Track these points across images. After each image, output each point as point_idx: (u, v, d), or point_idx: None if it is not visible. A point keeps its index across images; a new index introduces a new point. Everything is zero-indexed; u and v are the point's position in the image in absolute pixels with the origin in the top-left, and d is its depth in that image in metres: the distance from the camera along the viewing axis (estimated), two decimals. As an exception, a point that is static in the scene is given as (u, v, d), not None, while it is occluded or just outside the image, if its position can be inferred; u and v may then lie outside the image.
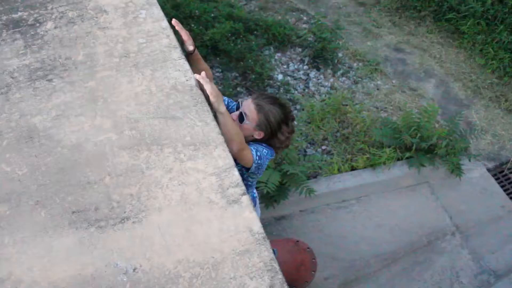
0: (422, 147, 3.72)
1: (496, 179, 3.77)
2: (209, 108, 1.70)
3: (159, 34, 1.95)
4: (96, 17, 2.05)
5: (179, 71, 1.81)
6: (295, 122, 3.82)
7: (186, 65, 1.83)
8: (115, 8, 2.09)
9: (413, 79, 4.64)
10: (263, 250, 1.35)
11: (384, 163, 3.76)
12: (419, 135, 3.73)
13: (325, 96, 4.30)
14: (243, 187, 1.49)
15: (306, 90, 4.41)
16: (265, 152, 2.03)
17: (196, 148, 1.58)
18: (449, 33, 4.64)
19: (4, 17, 2.07)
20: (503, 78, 4.14)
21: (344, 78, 4.68)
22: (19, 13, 2.09)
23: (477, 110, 4.19)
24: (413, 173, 3.75)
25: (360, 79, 4.66)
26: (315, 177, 3.69)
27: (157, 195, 1.47)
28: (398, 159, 3.81)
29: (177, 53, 1.88)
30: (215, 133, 1.62)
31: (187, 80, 1.78)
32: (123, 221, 1.42)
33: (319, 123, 4.01)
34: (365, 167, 3.77)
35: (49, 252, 1.37)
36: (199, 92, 1.75)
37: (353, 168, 3.77)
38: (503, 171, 3.86)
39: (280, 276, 1.30)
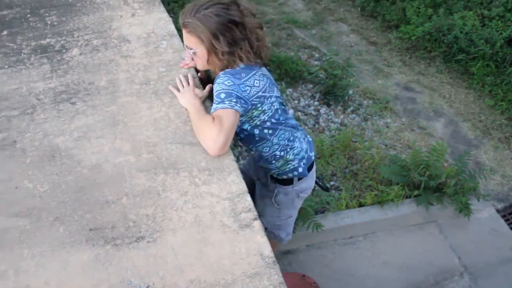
0: (431, 185, 3.74)
1: (506, 220, 3.76)
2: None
3: (179, 64, 2.04)
4: (120, 46, 2.15)
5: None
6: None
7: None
8: (138, 38, 2.19)
9: (422, 118, 4.70)
10: (272, 274, 1.39)
11: (392, 201, 3.78)
12: (427, 173, 3.75)
13: (335, 132, 4.36)
14: (255, 212, 1.53)
15: (316, 126, 4.48)
16: (235, 87, 1.68)
17: (210, 173, 1.63)
18: (459, 73, 4.73)
19: (33, 43, 2.18)
20: (512, 119, 4.19)
21: (354, 115, 4.75)
22: (47, 40, 2.19)
23: (486, 150, 4.23)
24: (421, 211, 3.76)
25: (370, 116, 4.73)
26: (322, 212, 3.71)
27: (172, 216, 1.52)
28: (406, 197, 3.83)
29: (196, 82, 1.96)
30: (229, 160, 1.68)
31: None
32: (138, 240, 1.47)
33: (328, 159, 4.06)
34: (373, 204, 3.78)
35: (66, 267, 1.41)
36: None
37: (361, 205, 3.79)
38: (512, 212, 3.86)
39: (289, 299, 1.33)
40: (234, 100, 1.65)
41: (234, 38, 1.68)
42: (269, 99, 1.82)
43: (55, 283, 1.38)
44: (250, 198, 1.57)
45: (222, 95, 1.64)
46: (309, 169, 2.11)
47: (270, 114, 1.85)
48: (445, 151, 3.88)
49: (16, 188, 1.62)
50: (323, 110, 4.66)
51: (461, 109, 4.59)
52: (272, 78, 1.91)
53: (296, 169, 2.05)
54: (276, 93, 1.89)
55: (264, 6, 6.32)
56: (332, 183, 4.00)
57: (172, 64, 2.05)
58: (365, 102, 4.93)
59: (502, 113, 4.30)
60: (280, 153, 1.99)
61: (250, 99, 1.72)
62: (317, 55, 5.42)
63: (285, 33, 5.78)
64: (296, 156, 2.02)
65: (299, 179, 2.10)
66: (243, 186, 1.60)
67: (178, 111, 1.84)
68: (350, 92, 4.99)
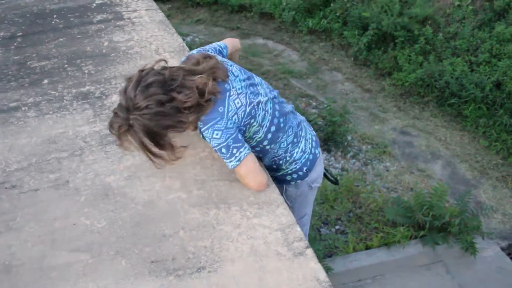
0: (435, 225, 3.85)
1: (511, 258, 3.86)
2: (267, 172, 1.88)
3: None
4: (156, 92, 2.28)
5: (237, 140, 2.00)
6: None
7: (243, 135, 2.03)
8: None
9: (420, 161, 4.87)
10: (331, 298, 1.47)
11: (399, 242, 3.87)
12: (431, 213, 3.87)
13: (337, 177, 4.49)
14: (307, 242, 1.63)
15: (318, 172, 4.60)
16: (225, 134, 1.66)
17: (260, 207, 1.74)
18: (452, 117, 4.96)
19: (74, 90, 2.30)
20: (507, 159, 4.38)
21: (354, 160, 4.91)
22: (87, 87, 2.32)
23: (485, 190, 4.39)
24: (427, 251, 3.84)
25: (369, 161, 4.89)
26: (330, 256, 3.77)
27: (228, 247, 1.61)
28: (412, 238, 3.93)
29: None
30: (276, 194, 1.79)
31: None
32: (199, 270, 1.54)
33: (332, 203, 4.17)
34: (379, 246, 3.86)
35: (132, 298, 1.48)
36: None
37: (367, 247, 3.87)
38: (517, 250, 3.97)
39: (349, 321, 1.41)
40: (235, 147, 1.68)
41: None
42: (259, 105, 1.77)
43: (123, 313, 1.44)
44: (300, 228, 1.67)
45: (224, 150, 1.68)
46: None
47: (268, 124, 1.82)
48: (446, 191, 4.03)
49: (74, 225, 1.70)
50: (323, 156, 4.81)
51: (458, 151, 4.79)
52: (243, 72, 1.84)
53: (300, 169, 2.02)
54: (261, 89, 1.83)
55: (260, 58, 6.59)
56: (337, 227, 4.09)
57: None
58: (364, 147, 5.10)
59: (497, 153, 4.49)
60: (284, 159, 1.97)
61: (242, 122, 1.72)
62: (314, 103, 5.64)
63: (282, 83, 6.01)
64: (300, 160, 2.00)
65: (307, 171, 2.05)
66: (291, 218, 1.70)
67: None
68: (349, 138, 5.18)
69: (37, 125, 2.14)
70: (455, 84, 4.53)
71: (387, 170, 4.80)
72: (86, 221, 1.71)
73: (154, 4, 3.16)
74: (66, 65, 2.52)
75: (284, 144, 1.93)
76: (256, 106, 1.76)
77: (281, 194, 1.98)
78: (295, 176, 2.03)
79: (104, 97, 2.27)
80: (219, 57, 1.81)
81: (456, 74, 4.41)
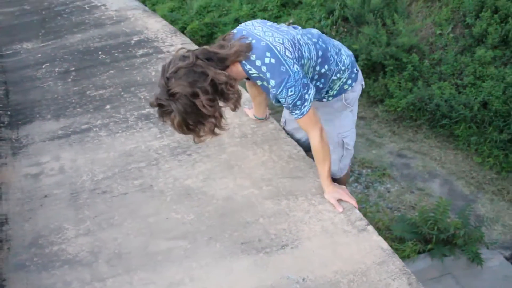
0: (441, 238, 4.13)
1: (515, 267, 4.12)
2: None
3: (266, 121, 2.51)
4: (210, 112, 2.61)
5: (290, 146, 2.34)
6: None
7: (293, 142, 2.37)
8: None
9: (419, 180, 5.23)
10: (395, 260, 1.79)
11: (408, 257, 4.14)
12: (436, 227, 4.17)
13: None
14: (366, 221, 1.95)
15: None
16: (293, 80, 1.76)
17: (322, 196, 2.05)
18: (445, 137, 5.38)
19: (135, 113, 2.62)
20: (501, 173, 4.76)
21: (356, 184, 5.25)
22: (146, 110, 2.64)
23: (483, 203, 4.75)
24: (436, 264, 4.07)
25: (371, 183, 5.23)
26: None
27: (303, 228, 1.91)
28: (419, 252, 4.20)
29: (283, 134, 2.42)
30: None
31: (298, 152, 2.30)
32: (283, 247, 1.84)
33: (342, 225, 4.44)
34: (390, 262, 4.11)
35: (231, 272, 1.76)
36: (310, 160, 2.26)
37: (378, 264, 4.11)
38: (520, 259, 4.25)
39: (413, 276, 1.73)
40: (305, 93, 1.80)
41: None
42: (300, 42, 1.85)
43: (226, 284, 1.72)
44: (357, 209, 1.99)
45: (298, 102, 1.81)
46: None
47: (314, 53, 1.90)
48: (449, 205, 4.36)
49: (167, 219, 1.98)
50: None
51: (453, 169, 5.18)
52: (266, 23, 1.92)
53: (352, 72, 2.10)
54: (285, 28, 1.90)
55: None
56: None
57: (259, 122, 2.52)
58: (364, 171, 5.45)
59: (490, 168, 4.88)
60: (340, 71, 2.04)
61: (299, 64, 1.81)
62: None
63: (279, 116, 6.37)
64: (349, 64, 2.07)
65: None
66: (350, 203, 2.02)
67: (278, 154, 2.28)
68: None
69: (111, 142, 2.43)
70: (445, 106, 4.91)
71: (389, 191, 5.14)
72: (176, 216, 1.99)
73: (188, 39, 3.53)
74: (122, 93, 2.83)
75: (332, 59, 1.99)
76: (298, 44, 1.83)
77: (341, 101, 2.15)
78: (349, 81, 2.11)
79: (164, 117, 2.58)
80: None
81: (445, 96, 4.80)
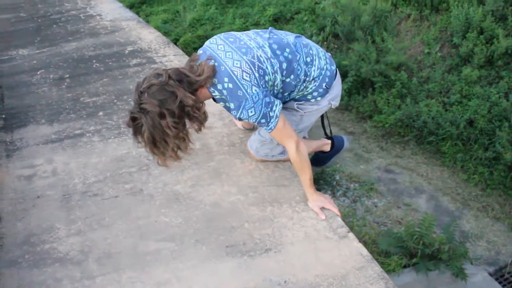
0: (426, 253, 4.20)
1: (499, 283, 4.20)
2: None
3: (254, 132, 2.59)
4: (200, 120, 2.69)
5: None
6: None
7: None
8: (213, 114, 2.75)
9: (405, 196, 5.32)
10: (373, 266, 1.87)
11: (394, 270, 4.20)
12: (421, 242, 4.25)
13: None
14: (347, 228, 2.03)
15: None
16: (255, 102, 1.85)
17: (305, 204, 2.14)
18: (432, 153, 5.48)
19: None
20: (486, 190, 4.85)
21: (344, 198, 5.31)
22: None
23: (468, 219, 4.84)
24: (421, 279, 4.13)
25: (358, 198, 5.30)
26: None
27: (287, 234, 1.99)
28: (405, 266, 4.28)
29: (271, 143, 2.51)
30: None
31: (284, 162, 2.39)
32: (266, 251, 1.91)
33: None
34: (375, 275, 4.18)
35: (216, 273, 1.83)
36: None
37: (364, 277, 4.17)
38: (503, 275, 4.33)
39: (391, 282, 1.81)
40: (269, 111, 1.89)
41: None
42: (260, 59, 1.90)
43: (212, 285, 1.79)
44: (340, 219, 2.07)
45: (263, 120, 1.91)
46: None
47: (277, 66, 1.93)
48: (434, 221, 4.43)
49: (156, 222, 2.06)
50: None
51: (439, 185, 5.28)
52: (227, 41, 1.97)
53: (320, 86, 2.10)
54: (249, 42, 1.95)
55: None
56: (333, 260, 4.41)
57: (247, 132, 2.60)
58: (352, 185, 5.53)
59: (476, 185, 4.97)
60: (305, 82, 2.07)
61: (261, 85, 1.88)
62: (302, 146, 6.07)
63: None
64: (318, 77, 2.08)
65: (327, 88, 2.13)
66: (333, 211, 2.10)
67: (265, 163, 2.36)
68: (337, 177, 5.61)
69: (103, 147, 2.50)
70: (432, 123, 4.99)
71: (376, 206, 5.21)
72: (165, 219, 2.07)
73: (180, 50, 3.62)
74: (115, 100, 2.91)
75: (299, 68, 2.00)
76: (258, 62, 1.88)
77: (294, 105, 2.16)
78: (315, 94, 2.12)
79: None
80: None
81: (432, 114, 4.88)
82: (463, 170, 5.16)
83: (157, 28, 4.48)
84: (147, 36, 3.94)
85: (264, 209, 2.11)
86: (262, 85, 1.88)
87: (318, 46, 2.16)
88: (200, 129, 1.93)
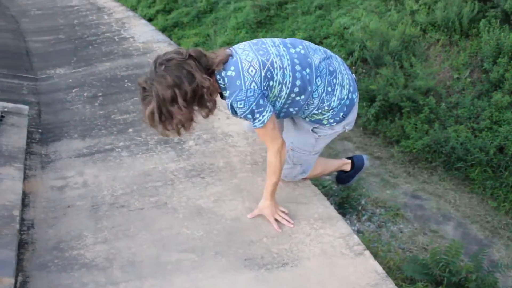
0: (453, 281, 4.12)
1: (530, 315, 4.07)
2: (325, 198, 2.34)
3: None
4: (225, 139, 2.79)
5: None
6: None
7: (302, 170, 2.51)
8: (237, 133, 2.84)
9: (432, 222, 5.25)
10: (388, 284, 1.89)
11: None
12: (447, 269, 4.18)
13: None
14: (363, 246, 2.06)
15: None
16: (248, 102, 1.87)
17: (323, 222, 2.18)
18: (460, 180, 5.42)
19: (155, 137, 2.81)
20: (517, 218, 4.75)
21: (369, 223, 5.29)
22: (167, 135, 2.82)
23: (498, 249, 4.73)
24: None
25: (383, 223, 5.27)
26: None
27: (304, 249, 2.04)
28: None
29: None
30: (334, 213, 2.24)
31: (305, 180, 2.45)
32: (283, 265, 1.96)
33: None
34: (400, 303, 4.13)
35: (235, 284, 1.89)
36: (316, 188, 2.40)
37: (389, 306, 4.12)
38: (534, 306, 4.21)
39: (406, 301, 1.82)
40: (258, 112, 1.90)
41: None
42: (274, 65, 1.92)
43: (229, 295, 1.85)
44: (356, 236, 2.11)
45: (249, 116, 1.92)
46: None
47: (290, 80, 1.94)
48: (461, 248, 4.35)
49: (178, 233, 2.14)
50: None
51: (467, 212, 5.20)
52: (258, 44, 2.01)
53: (337, 115, 2.13)
54: (271, 49, 1.98)
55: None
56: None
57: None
58: (377, 210, 5.51)
59: (506, 213, 4.88)
60: (321, 109, 2.09)
61: (262, 87, 1.89)
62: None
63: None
64: (337, 107, 2.10)
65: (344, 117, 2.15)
66: (349, 229, 2.14)
67: (286, 182, 2.42)
68: (363, 202, 5.60)
69: (131, 162, 2.62)
70: (460, 149, 4.95)
71: (401, 232, 5.16)
72: (187, 231, 2.14)
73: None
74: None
75: (316, 94, 2.02)
76: (271, 66, 1.91)
77: (310, 128, 2.19)
78: (331, 121, 2.15)
79: (182, 142, 2.77)
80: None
81: (461, 139, 4.85)
82: (492, 197, 5.08)
83: (188, 51, 4.64)
84: (178, 58, 4.09)
85: (283, 225, 2.16)
86: (263, 86, 1.90)
87: (345, 72, 2.15)
88: (207, 116, 1.96)
